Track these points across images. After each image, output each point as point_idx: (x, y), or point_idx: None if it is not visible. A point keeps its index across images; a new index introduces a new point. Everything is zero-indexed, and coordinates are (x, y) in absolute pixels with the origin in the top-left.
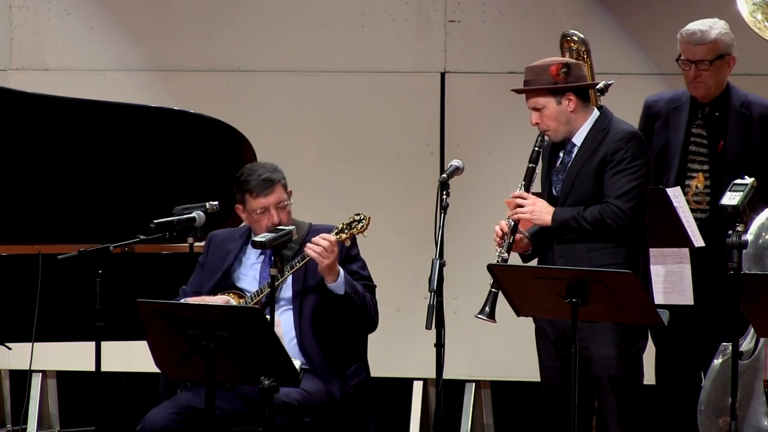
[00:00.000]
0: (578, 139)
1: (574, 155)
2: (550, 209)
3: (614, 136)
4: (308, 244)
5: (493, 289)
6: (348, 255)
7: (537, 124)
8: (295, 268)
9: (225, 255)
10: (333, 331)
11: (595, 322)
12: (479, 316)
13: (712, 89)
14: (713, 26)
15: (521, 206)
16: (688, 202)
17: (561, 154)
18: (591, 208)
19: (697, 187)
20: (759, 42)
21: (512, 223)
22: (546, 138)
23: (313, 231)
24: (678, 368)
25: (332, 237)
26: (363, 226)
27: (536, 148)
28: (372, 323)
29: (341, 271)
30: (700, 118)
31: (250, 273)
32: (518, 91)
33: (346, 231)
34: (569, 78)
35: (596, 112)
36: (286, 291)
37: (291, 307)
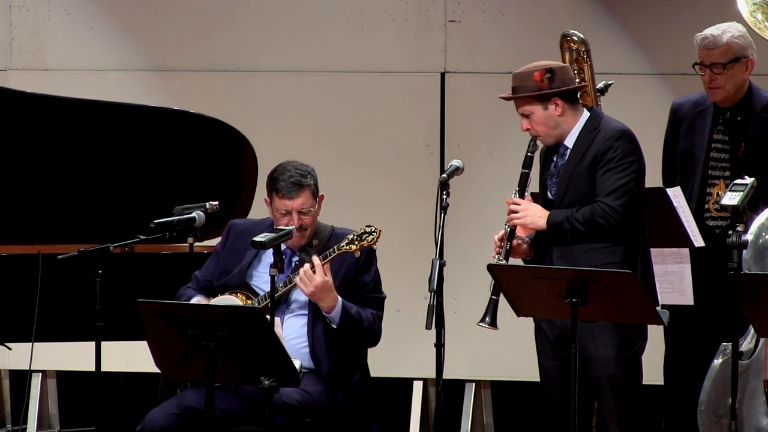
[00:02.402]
0: (570, 141)
1: (566, 157)
2: (545, 213)
3: (604, 135)
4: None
5: (493, 297)
6: (363, 265)
7: (527, 129)
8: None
9: (243, 250)
10: (344, 339)
11: (594, 322)
12: (481, 324)
13: (730, 93)
14: (727, 30)
15: (515, 212)
16: (708, 210)
17: (555, 158)
18: (583, 208)
19: (718, 194)
20: (760, 42)
21: (509, 229)
22: (538, 143)
23: (334, 235)
24: (679, 368)
25: (317, 261)
26: (373, 238)
27: (529, 154)
28: (372, 341)
29: (339, 303)
30: (721, 123)
31: (267, 270)
32: (505, 98)
33: (356, 243)
34: (554, 83)
35: (586, 113)
36: (301, 294)
37: (305, 312)
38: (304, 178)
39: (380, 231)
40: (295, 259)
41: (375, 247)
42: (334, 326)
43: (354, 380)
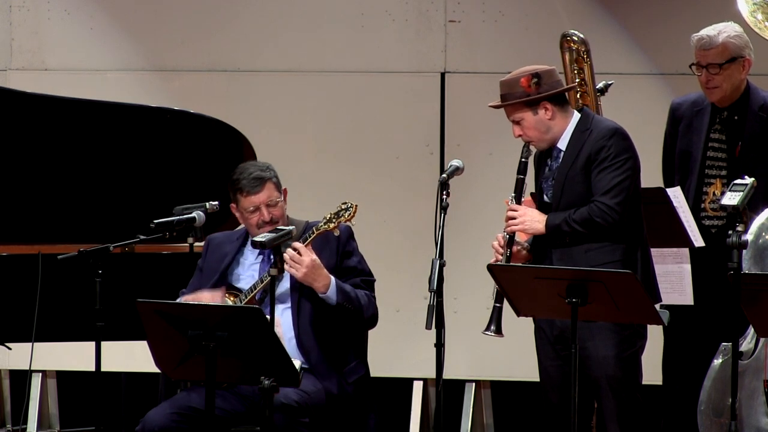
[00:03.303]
0: (563, 143)
1: (560, 160)
2: (542, 217)
3: (597, 135)
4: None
5: (497, 304)
6: (345, 250)
7: (519, 136)
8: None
9: (222, 257)
10: (332, 327)
11: (593, 322)
12: (487, 333)
13: (728, 93)
14: (723, 30)
15: (513, 218)
16: (704, 209)
17: (549, 161)
18: (580, 209)
19: (714, 193)
20: (760, 42)
21: (507, 236)
22: (531, 148)
23: (309, 226)
24: (679, 368)
25: (299, 244)
26: (350, 213)
27: (523, 159)
28: (371, 322)
29: (332, 280)
30: (718, 122)
31: (248, 273)
32: (495, 107)
33: (333, 221)
34: (541, 87)
35: (577, 114)
36: (283, 286)
37: (288, 305)
38: (264, 172)
39: (356, 206)
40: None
41: (353, 223)
42: (333, 305)
43: (348, 368)
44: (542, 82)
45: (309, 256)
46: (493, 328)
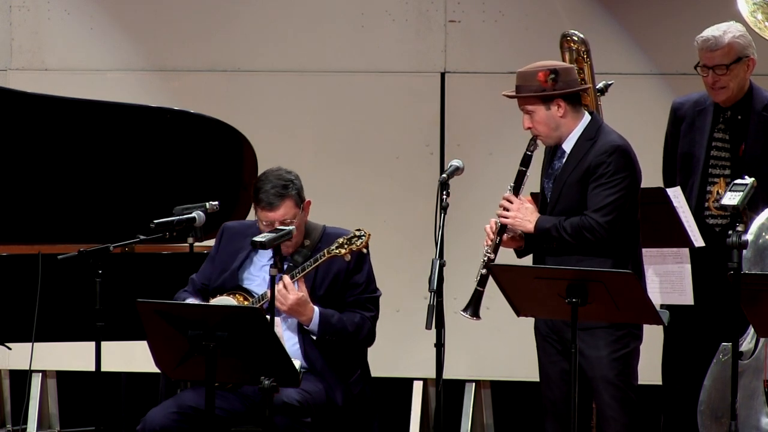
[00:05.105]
0: (568, 145)
1: (563, 163)
2: (534, 216)
3: (599, 149)
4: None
5: (479, 288)
6: (356, 265)
7: (529, 128)
8: (305, 272)
9: (235, 252)
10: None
11: (588, 323)
12: (463, 313)
13: (734, 93)
14: (727, 30)
15: (507, 210)
16: (708, 208)
17: (554, 160)
18: (572, 219)
19: (718, 192)
20: (760, 42)
21: (499, 224)
22: (538, 143)
23: (326, 234)
24: (679, 368)
25: (287, 280)
26: (362, 242)
27: (528, 153)
28: (366, 342)
29: (316, 312)
30: (721, 122)
31: (260, 275)
32: (509, 96)
33: (345, 247)
34: (557, 84)
35: (587, 117)
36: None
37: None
38: (285, 189)
39: (369, 235)
40: (286, 263)
41: (365, 251)
42: (314, 338)
43: (352, 379)
44: (559, 79)
45: (294, 295)
46: (470, 311)
